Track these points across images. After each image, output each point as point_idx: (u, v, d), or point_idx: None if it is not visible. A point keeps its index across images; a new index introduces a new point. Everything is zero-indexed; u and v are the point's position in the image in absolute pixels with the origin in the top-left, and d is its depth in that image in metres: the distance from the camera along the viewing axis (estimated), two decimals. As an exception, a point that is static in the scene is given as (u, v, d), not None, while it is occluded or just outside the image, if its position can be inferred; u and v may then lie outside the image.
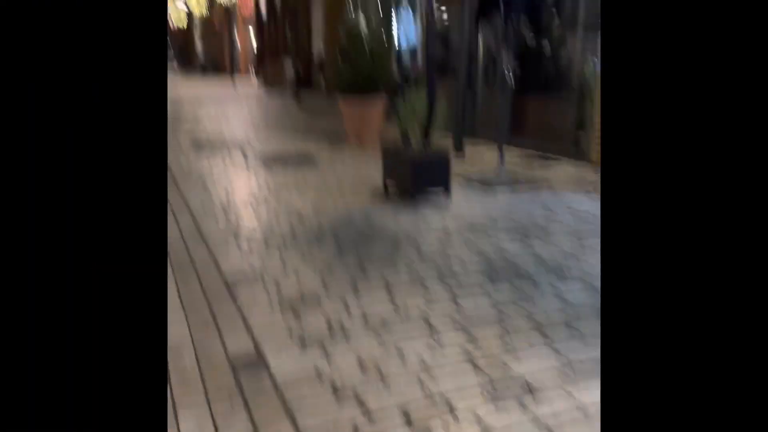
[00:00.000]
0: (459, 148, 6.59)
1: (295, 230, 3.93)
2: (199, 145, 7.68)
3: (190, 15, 35.03)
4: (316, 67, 15.66)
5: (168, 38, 50.49)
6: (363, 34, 7.57)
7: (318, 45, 15.58)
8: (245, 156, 6.88)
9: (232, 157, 6.80)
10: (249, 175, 5.83)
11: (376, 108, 7.81)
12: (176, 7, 37.39)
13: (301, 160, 6.61)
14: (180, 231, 3.95)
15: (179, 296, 2.86)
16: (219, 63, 27.66)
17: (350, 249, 3.50)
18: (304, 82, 14.43)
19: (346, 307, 2.70)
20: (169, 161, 6.56)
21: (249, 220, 4.19)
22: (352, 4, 13.63)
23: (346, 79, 7.69)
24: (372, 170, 5.94)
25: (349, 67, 7.62)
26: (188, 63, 34.79)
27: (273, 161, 6.56)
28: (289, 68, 14.35)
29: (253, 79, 22.57)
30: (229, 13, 23.37)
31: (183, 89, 19.79)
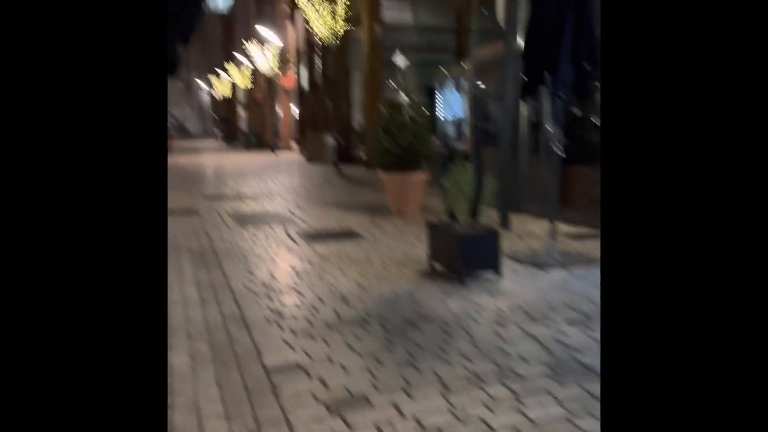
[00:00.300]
0: (505, 223, 6.41)
1: (340, 314, 3.75)
2: (242, 219, 7.71)
3: (233, 86, 36.66)
4: (356, 139, 15.93)
5: (213, 110, 52.79)
6: (404, 108, 7.62)
7: (358, 116, 15.90)
8: (287, 230, 6.83)
9: (275, 232, 6.77)
10: (292, 251, 5.75)
11: (417, 181, 7.75)
12: (219, 80, 39.23)
13: (344, 235, 6.52)
14: (222, 315, 3.82)
15: (220, 392, 2.69)
16: (261, 134, 28.57)
17: (398, 338, 3.29)
18: (344, 153, 14.64)
19: (399, 411, 2.47)
20: (211, 236, 6.56)
21: (292, 302, 4.04)
22: (393, 76, 13.97)
23: (387, 152, 7.70)
24: (416, 246, 5.78)
25: (390, 141, 7.63)
26: (232, 136, 36.06)
27: (315, 236, 6.49)
28: (329, 140, 14.62)
29: (295, 151, 23.13)
30: (271, 85, 24.29)
31: (227, 161, 20.37)
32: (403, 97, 7.61)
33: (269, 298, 4.17)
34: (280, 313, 3.81)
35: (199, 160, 20.44)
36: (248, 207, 8.84)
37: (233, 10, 38.97)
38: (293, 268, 5.06)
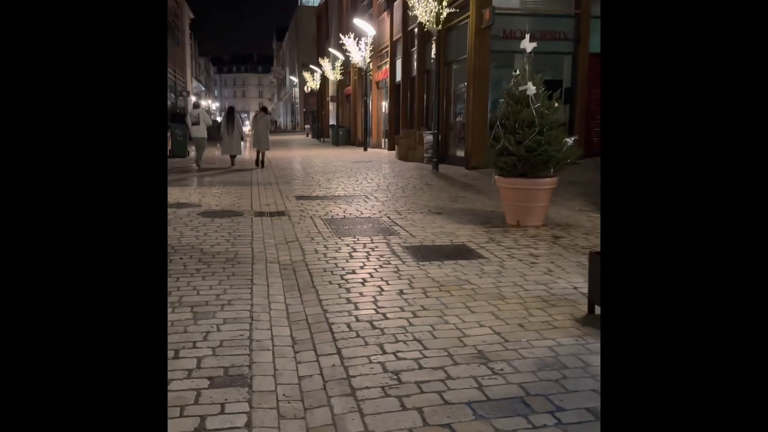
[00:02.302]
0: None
1: (485, 387, 2.65)
2: (337, 226, 6.78)
3: (324, 80, 36.41)
4: (455, 135, 14.74)
5: (303, 104, 53.20)
6: (531, 101, 6.39)
7: (457, 111, 14.71)
8: (389, 243, 5.81)
9: (376, 244, 5.76)
10: (399, 272, 4.71)
11: (544, 189, 6.50)
12: (311, 75, 39.18)
13: (458, 253, 5.41)
14: (321, 374, 2.83)
15: None
16: (351, 129, 27.97)
17: (591, 448, 2.14)
18: (442, 151, 13.47)
19: None
20: (304, 247, 5.65)
21: (413, 358, 2.99)
22: (501, 66, 12.62)
23: (508, 153, 6.50)
24: (556, 274, 4.58)
25: (513, 140, 6.43)
26: (321, 131, 35.83)
27: (423, 251, 5.43)
28: (426, 136, 13.52)
29: (385, 147, 22.26)
30: (363, 78, 23.53)
31: (316, 157, 19.81)
32: (530, 89, 6.37)
33: (381, 347, 3.14)
34: (398, 377, 2.76)
35: (288, 154, 19.90)
36: (342, 210, 7.92)
37: (327, 4, 38.77)
38: (405, 299, 4.01)
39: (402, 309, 3.80)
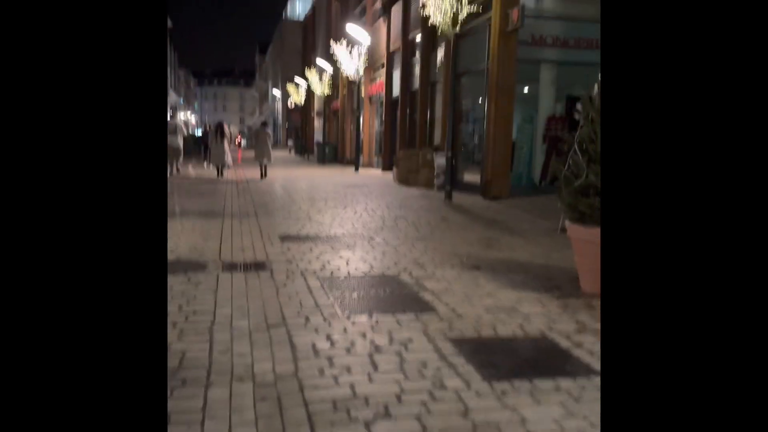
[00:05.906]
0: None
1: None
2: (340, 294, 4.65)
3: (309, 94, 34.37)
4: (467, 159, 12.74)
5: (286, 119, 50.98)
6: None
7: (469, 130, 12.71)
8: (426, 329, 3.71)
9: (405, 333, 3.65)
10: (467, 415, 2.59)
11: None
12: (296, 89, 37.10)
13: (543, 356, 3.36)
14: None
15: None
16: (339, 146, 25.89)
17: None
18: (452, 176, 11.42)
19: None
20: (296, 342, 3.51)
21: None
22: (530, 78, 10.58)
23: (591, 191, 4.49)
24: None
25: (595, 173, 4.41)
26: (305, 147, 33.70)
27: (488, 354, 3.35)
28: (437, 159, 11.47)
29: (377, 168, 20.20)
30: (353, 92, 21.51)
31: (301, 178, 17.65)
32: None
33: None
34: None
35: (269, 174, 17.66)
36: (343, 261, 5.81)
37: (314, 15, 36.87)
38: None
39: None
